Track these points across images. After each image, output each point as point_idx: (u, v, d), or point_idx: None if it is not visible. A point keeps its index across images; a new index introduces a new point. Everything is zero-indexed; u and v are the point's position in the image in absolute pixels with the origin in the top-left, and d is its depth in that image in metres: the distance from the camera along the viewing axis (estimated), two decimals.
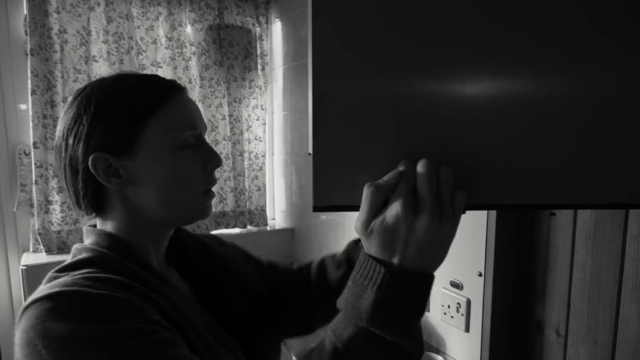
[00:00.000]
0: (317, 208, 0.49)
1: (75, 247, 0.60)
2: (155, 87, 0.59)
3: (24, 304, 0.50)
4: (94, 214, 0.60)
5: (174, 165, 0.58)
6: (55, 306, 0.47)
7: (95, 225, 0.62)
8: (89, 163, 0.56)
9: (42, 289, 0.50)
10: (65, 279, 0.50)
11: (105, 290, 0.49)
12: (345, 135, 0.48)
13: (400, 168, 0.45)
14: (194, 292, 0.67)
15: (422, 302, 0.45)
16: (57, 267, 0.55)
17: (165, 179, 0.58)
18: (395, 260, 0.44)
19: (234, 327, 0.65)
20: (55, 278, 0.52)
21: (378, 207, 0.45)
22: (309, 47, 0.47)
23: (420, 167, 0.44)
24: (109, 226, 0.60)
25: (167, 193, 0.58)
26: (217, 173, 2.12)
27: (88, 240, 0.60)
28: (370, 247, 0.45)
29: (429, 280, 0.45)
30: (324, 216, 1.84)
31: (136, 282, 0.53)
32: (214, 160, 0.61)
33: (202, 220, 0.64)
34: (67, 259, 0.58)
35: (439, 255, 0.45)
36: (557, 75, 0.48)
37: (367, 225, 0.45)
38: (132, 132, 0.56)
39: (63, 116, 0.59)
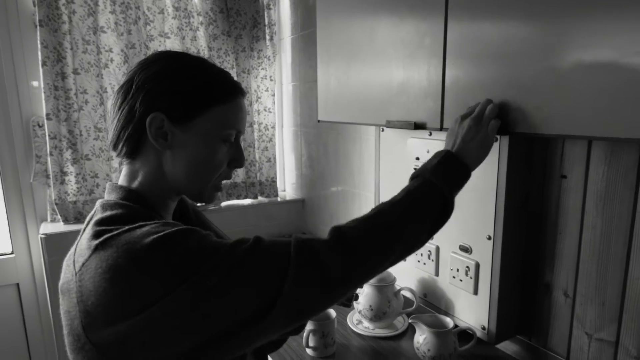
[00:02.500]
0: None
1: (101, 202, 0.64)
2: (230, 83, 0.69)
3: (93, 243, 0.55)
4: (124, 157, 0.68)
5: (211, 151, 0.68)
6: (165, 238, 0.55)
7: (116, 183, 0.68)
8: (148, 118, 0.63)
9: (110, 234, 0.56)
10: (142, 230, 0.56)
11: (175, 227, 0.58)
12: None
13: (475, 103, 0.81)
14: None
15: (460, 180, 0.75)
16: (98, 222, 0.59)
17: (200, 158, 0.67)
18: (450, 147, 0.78)
19: None
20: (105, 232, 0.57)
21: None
22: None
23: (482, 101, 0.79)
24: (139, 174, 0.67)
25: (194, 169, 0.67)
26: None
27: (113, 196, 0.65)
28: (446, 139, 0.81)
29: (467, 170, 0.76)
30: (334, 187, 1.85)
31: None
32: (240, 161, 0.73)
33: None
34: (98, 213, 0.62)
35: (476, 153, 0.77)
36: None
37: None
38: (197, 110, 0.65)
39: (144, 65, 0.65)
